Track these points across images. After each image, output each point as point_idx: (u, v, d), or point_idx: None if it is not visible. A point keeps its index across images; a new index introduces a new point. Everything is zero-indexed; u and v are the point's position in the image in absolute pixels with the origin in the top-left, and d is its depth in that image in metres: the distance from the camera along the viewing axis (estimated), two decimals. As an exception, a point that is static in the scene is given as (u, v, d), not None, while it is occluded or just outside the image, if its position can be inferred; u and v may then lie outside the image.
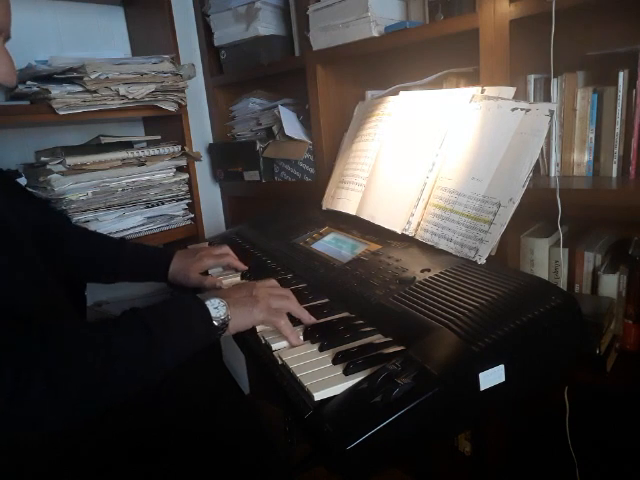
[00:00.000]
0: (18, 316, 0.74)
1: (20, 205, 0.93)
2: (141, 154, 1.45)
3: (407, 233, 1.00)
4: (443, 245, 0.93)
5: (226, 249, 1.11)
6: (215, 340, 0.71)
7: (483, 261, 0.86)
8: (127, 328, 0.63)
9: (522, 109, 0.89)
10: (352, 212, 1.17)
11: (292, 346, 0.74)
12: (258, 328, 0.81)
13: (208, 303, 0.70)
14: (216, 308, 0.70)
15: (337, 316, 0.83)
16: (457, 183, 0.95)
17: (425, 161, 1.03)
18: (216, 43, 1.65)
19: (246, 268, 1.09)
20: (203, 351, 0.71)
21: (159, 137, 1.56)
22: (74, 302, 0.97)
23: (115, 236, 1.38)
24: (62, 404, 0.57)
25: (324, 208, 1.30)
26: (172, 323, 0.67)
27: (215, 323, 0.70)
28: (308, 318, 0.81)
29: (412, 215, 1.01)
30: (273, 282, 0.85)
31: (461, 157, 0.96)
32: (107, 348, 0.60)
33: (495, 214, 0.87)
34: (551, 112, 0.85)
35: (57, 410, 0.57)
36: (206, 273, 1.10)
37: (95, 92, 1.29)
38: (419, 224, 0.99)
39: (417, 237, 0.99)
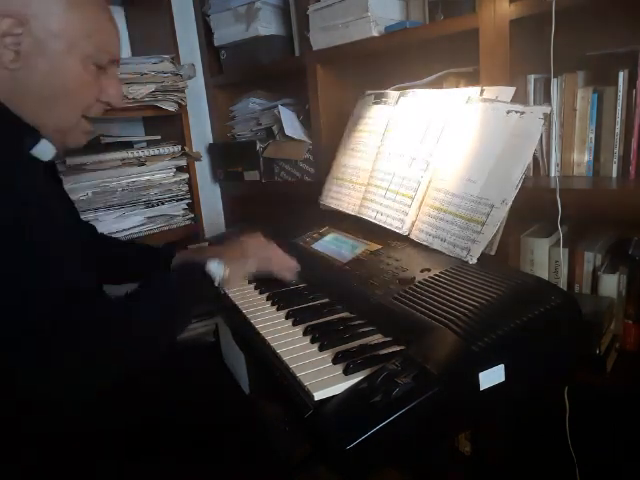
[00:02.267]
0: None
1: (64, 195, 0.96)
2: (141, 154, 1.44)
3: (401, 232, 1.01)
4: (437, 245, 0.93)
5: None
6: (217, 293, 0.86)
7: (474, 261, 0.86)
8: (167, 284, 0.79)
9: (517, 112, 0.90)
10: (352, 212, 1.17)
11: (287, 281, 0.97)
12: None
13: (210, 266, 0.83)
14: (216, 269, 0.83)
15: (337, 316, 0.83)
16: (451, 184, 0.95)
17: (420, 161, 1.03)
18: (216, 43, 1.65)
19: None
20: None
21: (159, 137, 1.56)
22: None
23: (115, 236, 1.39)
24: (142, 333, 0.69)
25: (321, 204, 1.29)
26: (187, 284, 0.82)
27: (216, 283, 0.83)
28: (293, 266, 0.99)
29: (406, 215, 1.01)
30: (258, 235, 1.00)
31: (456, 158, 0.96)
32: (163, 293, 0.76)
33: (488, 215, 0.87)
34: (545, 115, 0.86)
35: (138, 340, 0.68)
36: None
37: (95, 92, 1.29)
38: (414, 224, 1.00)
39: (412, 237, 0.99)
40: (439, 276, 0.83)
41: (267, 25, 1.49)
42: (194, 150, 1.57)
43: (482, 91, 0.99)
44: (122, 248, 1.13)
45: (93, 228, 1.16)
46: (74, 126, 0.78)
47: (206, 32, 1.68)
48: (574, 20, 0.96)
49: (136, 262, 1.11)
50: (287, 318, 0.87)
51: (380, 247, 1.01)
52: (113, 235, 1.39)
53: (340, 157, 1.31)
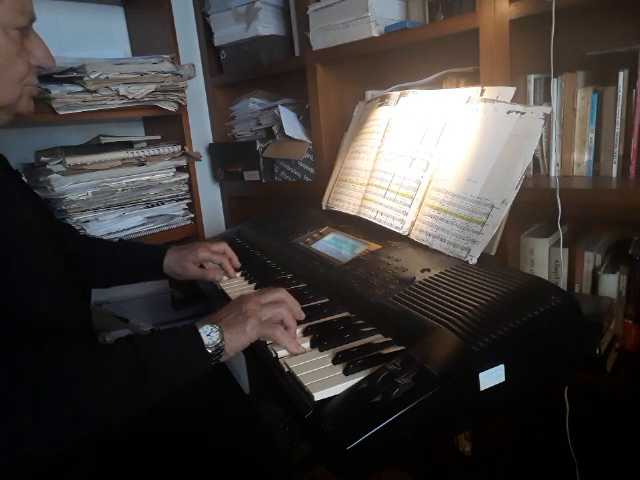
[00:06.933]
0: (38, 314, 0.74)
1: (37, 205, 0.94)
2: (141, 154, 1.45)
3: (401, 232, 1.01)
4: (437, 245, 0.93)
5: (223, 246, 1.11)
6: (212, 366, 0.69)
7: (474, 261, 0.86)
8: (118, 355, 0.63)
9: (517, 112, 0.89)
10: (352, 212, 1.17)
11: (292, 354, 0.72)
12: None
13: (201, 331, 0.68)
14: (209, 335, 0.68)
15: (337, 316, 0.83)
16: (452, 184, 0.95)
17: (420, 161, 1.03)
18: (216, 43, 1.65)
19: (235, 276, 1.08)
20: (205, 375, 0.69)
21: (159, 137, 1.56)
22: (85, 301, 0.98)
23: (115, 236, 1.39)
24: (45, 426, 0.56)
25: (324, 208, 1.30)
26: (163, 352, 0.66)
27: (209, 350, 0.67)
28: (294, 328, 0.77)
29: (406, 215, 1.01)
30: (267, 291, 0.80)
31: (457, 158, 0.96)
32: (96, 372, 0.61)
33: (488, 215, 0.87)
34: (545, 116, 0.86)
35: (39, 432, 0.56)
36: (202, 267, 1.09)
37: (95, 92, 1.29)
38: (413, 224, 1.00)
39: (412, 237, 0.99)
40: (439, 276, 0.83)
41: (267, 25, 1.49)
42: (194, 150, 1.57)
43: (482, 91, 0.99)
44: (108, 250, 1.10)
45: (71, 229, 1.15)
46: (19, 98, 0.75)
47: (206, 32, 1.68)
48: (574, 20, 0.96)
49: (124, 265, 1.09)
50: (287, 318, 0.86)
51: (380, 247, 1.01)
52: (113, 235, 1.39)
53: (341, 160, 1.31)
